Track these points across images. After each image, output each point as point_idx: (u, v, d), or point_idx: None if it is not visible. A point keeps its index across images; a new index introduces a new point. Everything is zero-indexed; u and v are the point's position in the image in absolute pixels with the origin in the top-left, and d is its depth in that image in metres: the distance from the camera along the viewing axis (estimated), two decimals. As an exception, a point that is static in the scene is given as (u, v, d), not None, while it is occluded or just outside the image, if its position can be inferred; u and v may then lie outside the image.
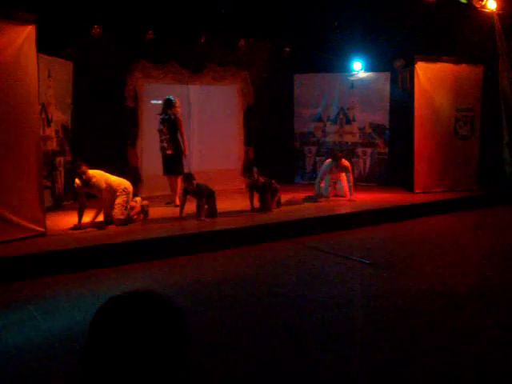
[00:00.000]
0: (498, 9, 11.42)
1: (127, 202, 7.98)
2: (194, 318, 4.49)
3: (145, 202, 8.56)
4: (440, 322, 4.62)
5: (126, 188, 8.02)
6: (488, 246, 7.61)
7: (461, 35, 11.56)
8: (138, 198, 8.50)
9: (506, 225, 9.02)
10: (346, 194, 10.16)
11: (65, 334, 4.42)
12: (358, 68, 12.61)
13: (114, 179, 8.04)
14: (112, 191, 7.91)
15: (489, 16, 11.37)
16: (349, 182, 10.12)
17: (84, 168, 7.67)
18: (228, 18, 10.97)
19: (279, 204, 9.35)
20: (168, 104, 9.62)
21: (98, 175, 7.82)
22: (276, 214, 8.81)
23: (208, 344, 4.08)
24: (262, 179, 8.99)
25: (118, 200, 7.89)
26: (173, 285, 5.73)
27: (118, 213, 7.86)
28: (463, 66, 11.56)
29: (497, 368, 3.74)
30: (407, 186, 11.31)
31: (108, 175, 8.00)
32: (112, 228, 7.75)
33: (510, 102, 11.76)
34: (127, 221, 7.95)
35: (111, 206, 7.88)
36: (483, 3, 11.22)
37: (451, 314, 4.84)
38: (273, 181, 9.12)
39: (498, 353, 3.98)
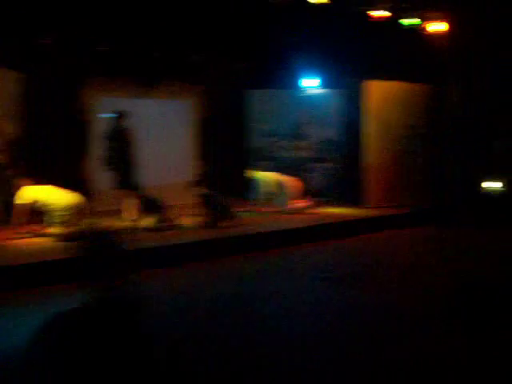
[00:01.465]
0: (446, 31, 11.85)
1: (67, 217, 7.83)
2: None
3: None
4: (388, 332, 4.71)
5: (67, 204, 7.89)
6: (443, 258, 7.80)
7: (411, 54, 11.93)
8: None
9: (453, 239, 9.30)
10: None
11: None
12: (311, 85, 12.83)
13: (56, 195, 7.92)
14: (46, 206, 7.80)
15: (438, 37, 11.78)
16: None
17: (22, 182, 7.67)
18: (182, 33, 10.97)
19: (232, 218, 9.29)
20: (119, 117, 9.59)
21: (30, 190, 7.76)
22: (227, 229, 8.77)
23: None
24: (213, 194, 9.00)
25: (57, 215, 7.77)
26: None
27: (55, 228, 7.74)
28: (412, 84, 11.96)
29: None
30: (357, 201, 11.52)
31: (52, 190, 7.91)
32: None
33: (455, 119, 12.18)
34: (71, 236, 7.78)
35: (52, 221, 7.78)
36: (431, 27, 11.62)
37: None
38: (223, 196, 9.12)
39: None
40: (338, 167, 12.73)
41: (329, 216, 10.40)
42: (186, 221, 9.22)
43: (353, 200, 11.77)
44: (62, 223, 7.78)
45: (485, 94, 12.17)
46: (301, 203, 10.51)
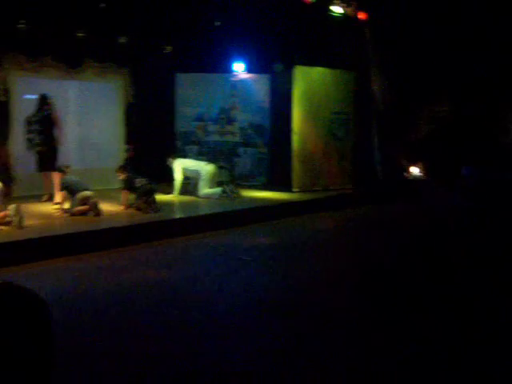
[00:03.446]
0: (369, 19, 12.18)
1: None
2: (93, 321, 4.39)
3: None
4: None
5: None
6: (364, 239, 8.09)
7: (336, 41, 12.19)
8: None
9: (378, 221, 9.66)
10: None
11: None
12: (240, 69, 12.84)
13: None
14: None
15: (361, 26, 12.09)
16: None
17: None
18: (108, 13, 10.67)
19: (156, 203, 9.09)
20: (43, 100, 9.38)
21: None
22: (151, 214, 8.63)
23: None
24: (138, 179, 8.88)
25: None
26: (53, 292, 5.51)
27: None
28: (338, 71, 12.21)
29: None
30: (286, 185, 11.70)
31: None
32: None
33: (379, 106, 12.60)
34: None
35: None
36: (356, 15, 11.91)
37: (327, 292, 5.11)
38: (149, 180, 9.00)
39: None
40: (266, 152, 12.87)
41: (255, 200, 10.50)
42: (111, 206, 9.05)
43: (281, 184, 11.95)
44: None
45: (404, 83, 12.64)
46: (219, 189, 10.57)
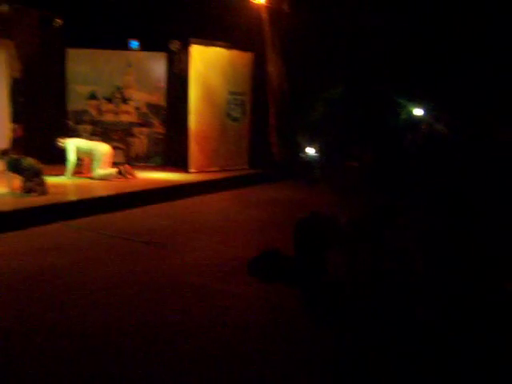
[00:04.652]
0: (266, 1, 12.25)
1: None
2: None
3: None
4: (205, 289, 4.88)
5: None
6: (259, 219, 8.21)
7: (234, 22, 12.15)
8: None
9: (274, 200, 9.85)
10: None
11: None
12: (135, 46, 12.48)
13: None
14: None
15: (258, 7, 12.13)
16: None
17: None
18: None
19: (44, 185, 8.63)
20: None
21: None
22: (38, 197, 8.23)
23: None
24: (25, 160, 8.41)
25: None
26: None
27: None
28: (235, 51, 12.20)
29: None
30: (183, 165, 11.62)
31: None
32: None
33: (276, 88, 12.77)
34: None
35: None
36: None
37: (218, 283, 5.14)
38: (37, 161, 8.55)
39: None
40: (162, 132, 12.67)
41: (151, 181, 10.33)
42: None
43: (177, 165, 11.85)
44: None
45: (301, 65, 12.88)
46: (113, 170, 10.28)
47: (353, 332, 2.43)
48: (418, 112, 11.77)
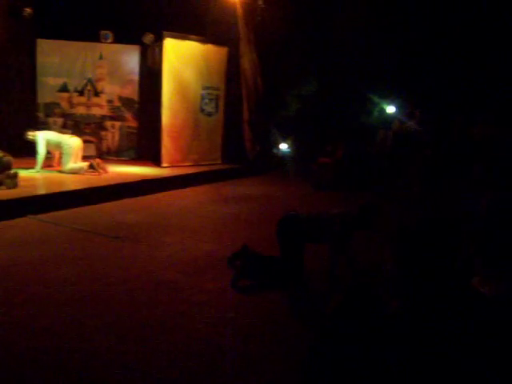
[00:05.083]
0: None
1: None
2: None
3: None
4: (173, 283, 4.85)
5: None
6: (230, 213, 8.19)
7: (209, 17, 12.08)
8: None
9: (247, 196, 9.83)
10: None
11: None
12: (108, 38, 12.29)
13: None
14: None
15: (234, 2, 12.07)
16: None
17: None
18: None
19: (13, 179, 8.43)
20: None
21: None
22: (6, 191, 8.06)
23: None
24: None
25: None
26: None
27: None
28: (209, 46, 12.11)
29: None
30: (156, 160, 11.52)
31: None
32: None
33: (250, 83, 12.74)
34: None
35: None
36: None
37: (192, 278, 5.11)
38: (5, 154, 8.37)
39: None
40: (135, 126, 12.54)
41: (122, 176, 10.20)
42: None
43: (150, 159, 11.75)
44: None
45: (276, 62, 12.89)
46: (84, 163, 10.13)
47: (328, 327, 2.45)
48: (391, 109, 11.88)
